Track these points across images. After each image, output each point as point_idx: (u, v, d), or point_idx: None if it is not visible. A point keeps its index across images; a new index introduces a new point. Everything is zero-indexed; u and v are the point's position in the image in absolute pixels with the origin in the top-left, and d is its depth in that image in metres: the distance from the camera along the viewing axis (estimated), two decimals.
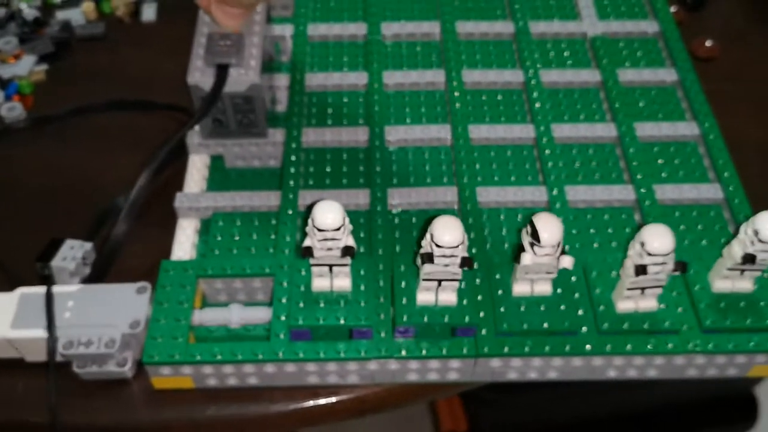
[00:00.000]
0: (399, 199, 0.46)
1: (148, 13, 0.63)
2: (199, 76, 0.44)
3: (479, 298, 0.41)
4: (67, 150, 0.54)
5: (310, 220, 0.38)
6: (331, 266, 0.40)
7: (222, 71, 0.44)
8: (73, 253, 0.43)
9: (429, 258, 0.37)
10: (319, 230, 0.38)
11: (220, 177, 0.49)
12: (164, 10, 0.63)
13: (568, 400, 0.92)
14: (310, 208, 0.39)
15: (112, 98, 0.55)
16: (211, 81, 0.44)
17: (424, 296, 0.40)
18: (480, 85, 0.53)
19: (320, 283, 0.41)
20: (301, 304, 0.40)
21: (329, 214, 0.38)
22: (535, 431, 0.97)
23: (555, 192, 0.46)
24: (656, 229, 0.37)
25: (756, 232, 0.37)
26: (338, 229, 0.38)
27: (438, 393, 0.42)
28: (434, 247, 0.37)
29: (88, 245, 0.44)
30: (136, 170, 0.44)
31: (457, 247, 0.37)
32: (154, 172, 0.44)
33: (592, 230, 0.46)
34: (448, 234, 0.36)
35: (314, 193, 0.46)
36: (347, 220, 0.39)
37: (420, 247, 0.38)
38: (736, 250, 0.39)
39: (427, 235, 0.37)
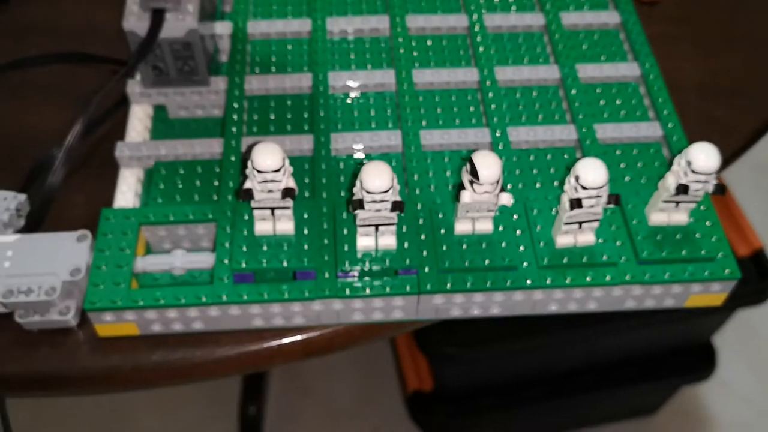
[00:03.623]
0: (343, 143, 0.46)
1: None
2: (135, 22, 0.43)
3: (422, 237, 0.41)
4: (1, 104, 0.52)
5: (249, 163, 0.38)
6: (273, 209, 0.40)
7: (158, 16, 0.43)
8: (6, 204, 0.42)
9: (360, 204, 0.38)
10: (259, 172, 0.38)
11: (164, 127, 0.49)
12: None
13: (530, 353, 0.93)
14: (249, 151, 0.39)
15: (51, 51, 0.54)
16: (147, 26, 0.43)
17: (364, 241, 0.40)
18: (424, 31, 0.53)
19: (263, 226, 0.41)
20: (244, 248, 0.40)
21: (269, 156, 0.38)
22: (499, 385, 0.99)
23: (498, 133, 0.47)
24: (590, 162, 0.38)
25: (689, 163, 0.38)
26: (278, 170, 0.38)
27: (384, 333, 0.43)
28: (364, 193, 0.37)
29: (22, 196, 0.43)
30: (73, 122, 0.43)
31: (387, 191, 0.37)
32: (91, 120, 0.44)
33: (534, 170, 0.46)
34: (377, 179, 0.37)
35: (258, 139, 0.46)
36: (287, 161, 0.39)
37: (352, 194, 0.39)
38: (670, 181, 0.39)
39: (357, 182, 0.37)
